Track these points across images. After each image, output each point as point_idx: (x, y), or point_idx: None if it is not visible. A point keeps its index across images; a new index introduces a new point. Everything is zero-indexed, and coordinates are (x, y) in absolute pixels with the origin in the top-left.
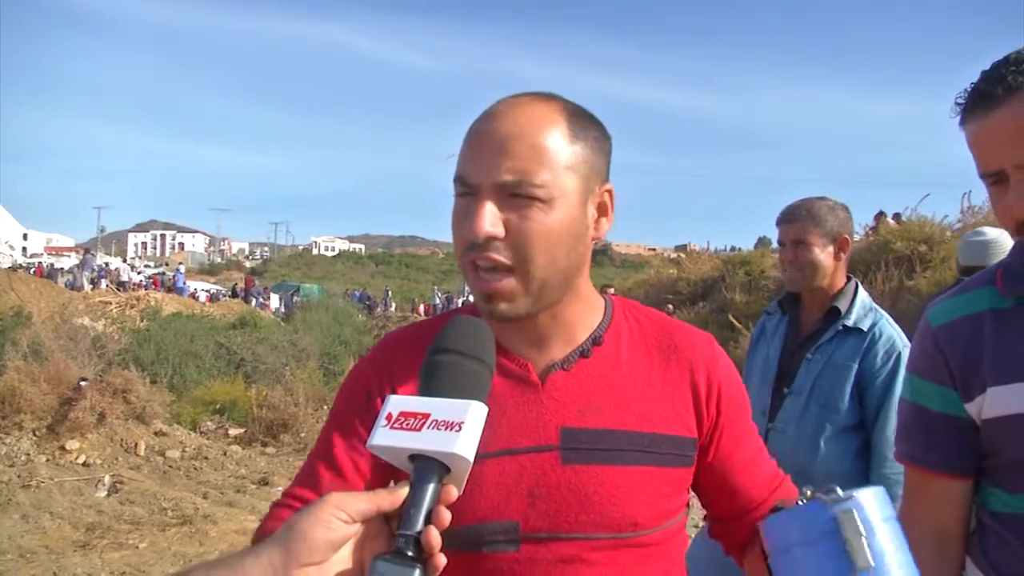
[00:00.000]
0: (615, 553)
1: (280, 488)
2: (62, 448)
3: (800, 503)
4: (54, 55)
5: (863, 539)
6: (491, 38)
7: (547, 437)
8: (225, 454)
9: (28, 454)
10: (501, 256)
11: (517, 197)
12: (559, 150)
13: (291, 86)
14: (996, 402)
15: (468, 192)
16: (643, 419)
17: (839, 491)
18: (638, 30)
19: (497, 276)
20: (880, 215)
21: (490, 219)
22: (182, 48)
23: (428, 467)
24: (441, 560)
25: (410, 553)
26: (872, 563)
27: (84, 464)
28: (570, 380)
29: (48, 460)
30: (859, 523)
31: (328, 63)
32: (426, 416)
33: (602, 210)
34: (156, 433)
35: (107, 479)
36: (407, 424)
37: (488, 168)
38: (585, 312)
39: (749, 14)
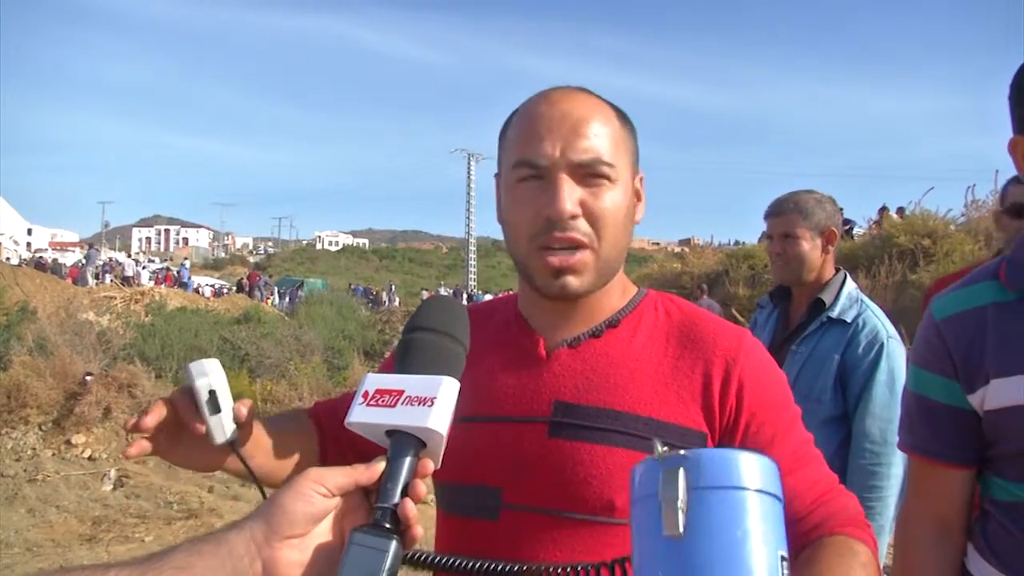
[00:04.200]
0: (594, 537)
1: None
2: (68, 442)
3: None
4: (57, 49)
5: (678, 503)
6: (498, 32)
7: (540, 409)
8: None
9: (34, 448)
10: (579, 234)
11: (591, 176)
12: (619, 135)
13: (295, 80)
14: (998, 394)
15: (536, 174)
16: (643, 403)
17: (683, 449)
18: (643, 25)
19: (574, 252)
20: (883, 209)
21: (572, 197)
22: (187, 42)
23: (404, 442)
24: (419, 532)
25: (387, 525)
26: (682, 532)
27: (90, 458)
28: (574, 357)
29: (54, 454)
30: (680, 486)
31: (333, 57)
32: (400, 393)
33: (638, 196)
34: None
35: (113, 473)
36: (382, 401)
37: (564, 148)
38: (614, 297)
39: (754, 9)
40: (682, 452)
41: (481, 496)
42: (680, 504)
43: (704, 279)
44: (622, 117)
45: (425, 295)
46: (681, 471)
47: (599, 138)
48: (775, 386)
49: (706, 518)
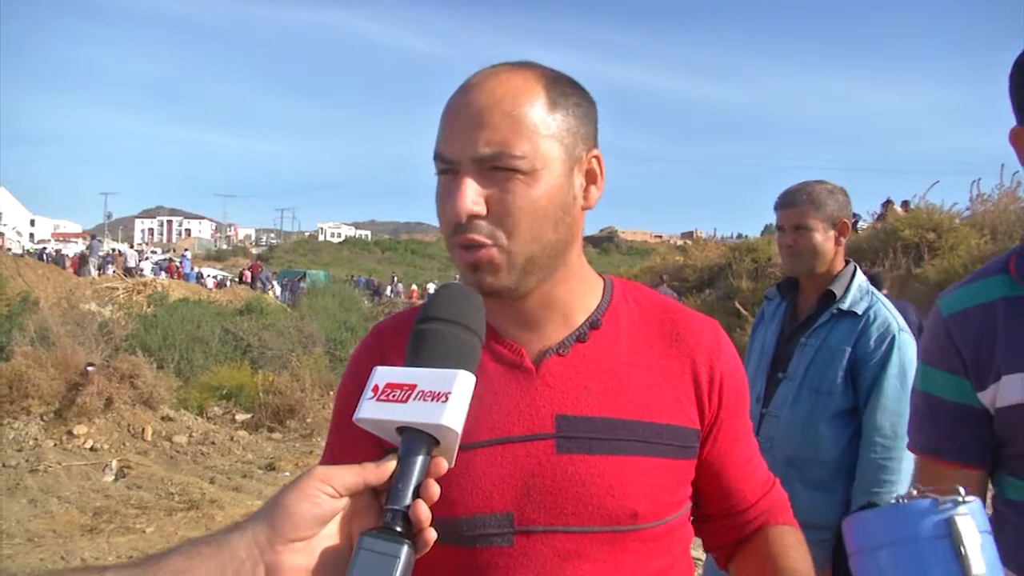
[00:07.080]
0: (615, 547)
1: (287, 473)
2: (70, 433)
3: (899, 501)
4: (60, 41)
5: (977, 546)
6: (500, 24)
7: (542, 425)
8: (232, 439)
9: (36, 439)
10: (483, 235)
11: (498, 171)
12: (539, 119)
13: (298, 72)
14: (1009, 390)
15: (448, 169)
16: (643, 408)
17: (956, 495)
18: (646, 17)
19: (478, 250)
20: (888, 203)
21: (471, 197)
22: (189, 34)
23: (416, 439)
24: (431, 535)
25: (398, 528)
26: (984, 571)
27: (91, 449)
28: (566, 366)
29: (56, 445)
30: (974, 530)
31: (336, 49)
32: (412, 387)
33: (591, 177)
34: (163, 418)
35: (114, 464)
36: (393, 396)
37: (465, 142)
38: (580, 291)
39: (760, 1)
40: (959, 499)
41: (489, 525)
42: (978, 547)
43: (707, 272)
44: (558, 93)
45: (400, 286)
46: (971, 516)
47: (506, 127)
48: (741, 379)
49: (989, 558)
